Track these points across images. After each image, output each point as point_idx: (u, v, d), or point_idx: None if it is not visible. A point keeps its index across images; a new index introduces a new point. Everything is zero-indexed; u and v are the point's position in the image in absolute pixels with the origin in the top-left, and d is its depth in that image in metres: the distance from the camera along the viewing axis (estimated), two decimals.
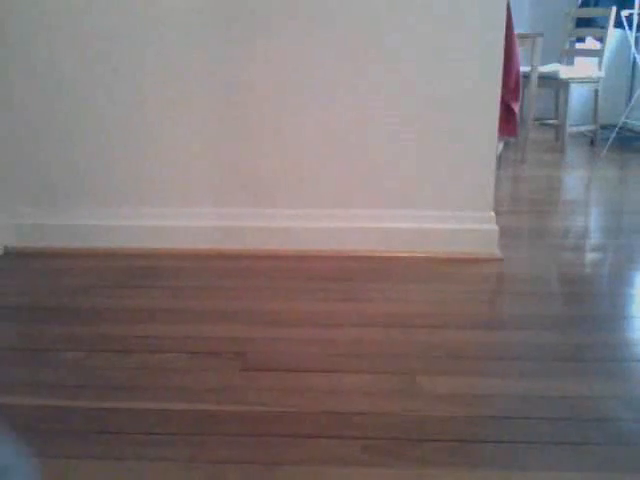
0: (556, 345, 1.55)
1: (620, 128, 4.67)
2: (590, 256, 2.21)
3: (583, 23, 4.59)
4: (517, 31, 3.05)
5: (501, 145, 3.57)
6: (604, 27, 4.16)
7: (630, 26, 4.46)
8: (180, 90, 2.12)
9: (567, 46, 4.50)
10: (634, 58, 4.82)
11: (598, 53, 4.20)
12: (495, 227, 2.19)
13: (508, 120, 2.86)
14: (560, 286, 1.94)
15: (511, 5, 2.52)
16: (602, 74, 4.16)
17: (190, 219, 2.22)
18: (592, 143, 4.45)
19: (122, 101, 2.14)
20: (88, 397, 1.33)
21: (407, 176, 2.16)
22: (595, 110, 4.29)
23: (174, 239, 2.23)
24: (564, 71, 4.03)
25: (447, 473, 1.09)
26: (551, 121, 4.60)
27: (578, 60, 5.01)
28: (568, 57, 4.55)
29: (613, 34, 4.80)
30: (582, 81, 4.09)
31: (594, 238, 2.41)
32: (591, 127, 4.38)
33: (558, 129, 4.51)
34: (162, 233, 2.23)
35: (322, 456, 1.14)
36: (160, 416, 1.26)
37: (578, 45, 4.99)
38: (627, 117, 4.81)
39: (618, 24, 4.35)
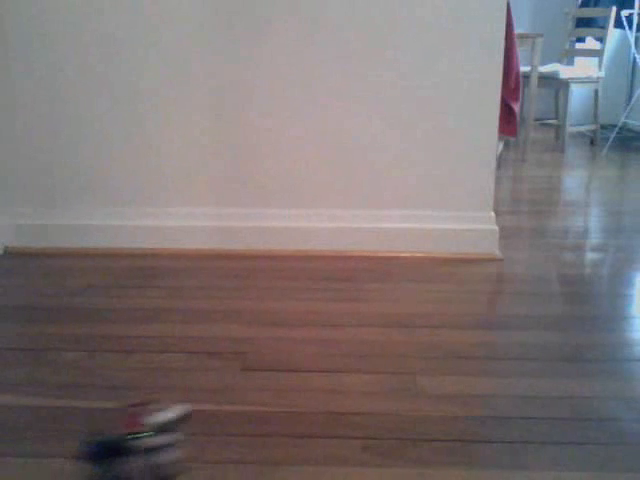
0: (556, 345, 1.55)
1: (620, 128, 4.67)
2: (590, 256, 2.21)
3: (583, 23, 4.59)
4: (517, 31, 3.05)
5: (501, 145, 3.57)
6: (604, 27, 4.16)
7: (630, 26, 4.45)
8: (181, 90, 2.12)
9: (567, 46, 4.51)
10: (634, 58, 4.82)
11: (598, 53, 4.20)
12: (495, 227, 2.19)
13: (508, 120, 2.86)
14: (560, 286, 1.94)
15: (511, 5, 2.53)
16: (602, 74, 4.16)
17: (190, 219, 2.22)
18: (592, 143, 4.45)
19: (122, 101, 2.14)
20: (88, 397, 1.33)
21: (407, 176, 2.17)
22: (595, 110, 4.29)
23: (174, 239, 2.23)
24: (564, 71, 4.03)
25: (447, 473, 1.09)
26: (551, 121, 4.60)
27: (578, 60, 5.01)
28: (568, 57, 4.55)
29: (613, 34, 4.81)
30: (582, 81, 4.09)
31: (594, 238, 2.41)
32: (591, 127, 4.38)
33: (558, 129, 4.51)
34: (162, 233, 2.23)
35: (322, 456, 1.14)
36: None
37: (578, 45, 4.99)
38: (627, 117, 4.81)
39: (618, 24, 4.35)
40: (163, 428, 1.03)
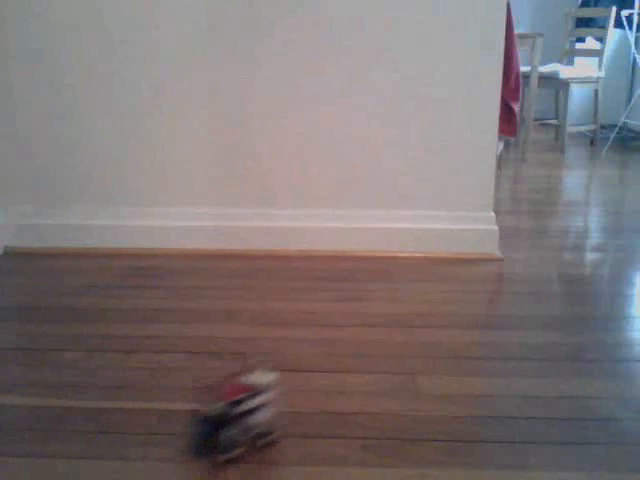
0: (556, 345, 1.55)
1: (620, 128, 4.67)
2: (590, 256, 2.21)
3: (583, 23, 4.59)
4: (517, 31, 3.05)
5: (501, 145, 3.57)
6: (604, 27, 4.16)
7: (630, 26, 4.46)
8: (181, 90, 2.12)
9: (567, 46, 4.51)
10: (634, 58, 4.82)
11: (598, 53, 4.20)
12: (495, 227, 2.19)
13: (508, 120, 2.86)
14: (560, 286, 1.94)
15: (511, 5, 2.53)
16: (602, 74, 4.16)
17: (190, 219, 2.22)
18: (592, 143, 4.45)
19: (122, 101, 2.14)
20: (88, 397, 1.33)
21: (407, 176, 2.17)
22: (595, 110, 4.29)
23: (174, 239, 2.23)
24: (564, 71, 4.03)
25: (447, 473, 1.09)
26: (551, 121, 4.60)
27: (578, 60, 5.01)
28: (568, 57, 4.55)
29: (613, 34, 4.81)
30: (582, 81, 4.09)
31: (594, 238, 2.41)
32: (591, 127, 4.38)
33: (558, 129, 4.51)
34: (162, 233, 2.23)
35: (322, 456, 1.14)
36: (160, 416, 1.26)
37: (578, 45, 4.99)
38: (627, 117, 4.81)
39: (618, 24, 4.35)
40: (258, 390, 1.11)
